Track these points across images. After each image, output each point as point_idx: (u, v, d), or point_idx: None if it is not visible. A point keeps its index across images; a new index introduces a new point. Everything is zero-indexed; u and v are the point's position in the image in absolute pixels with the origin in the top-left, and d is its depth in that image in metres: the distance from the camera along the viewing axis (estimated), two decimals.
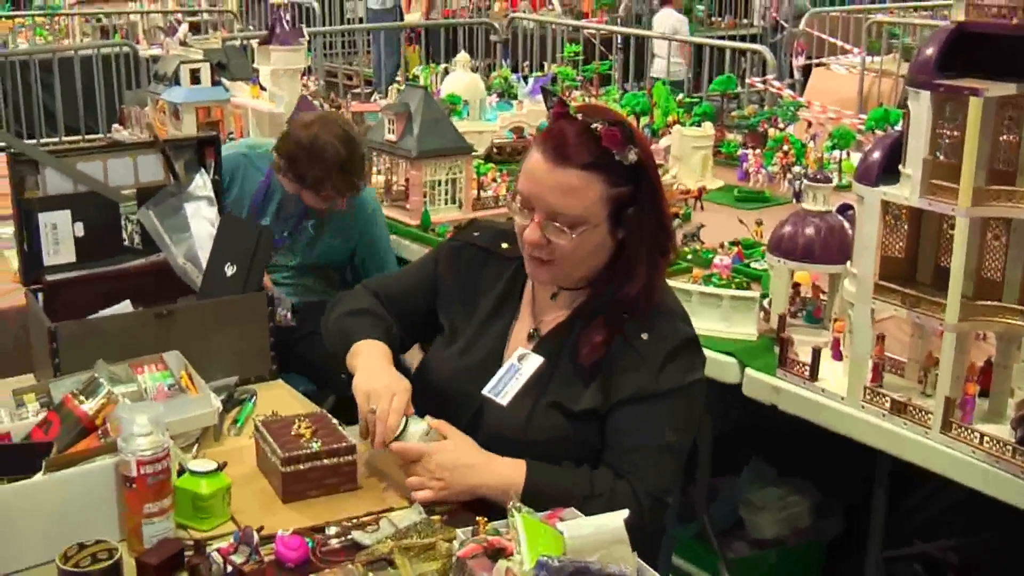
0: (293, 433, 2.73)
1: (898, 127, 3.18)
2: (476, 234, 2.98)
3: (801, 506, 4.36)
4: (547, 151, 2.62)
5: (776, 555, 4.32)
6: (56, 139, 8.92)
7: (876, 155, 2.96)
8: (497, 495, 2.57)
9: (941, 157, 2.79)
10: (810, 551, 4.38)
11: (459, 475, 2.64)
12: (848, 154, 5.30)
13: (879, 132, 5.10)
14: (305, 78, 6.93)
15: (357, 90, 8.77)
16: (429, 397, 2.80)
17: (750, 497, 4.36)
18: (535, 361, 2.75)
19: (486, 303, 2.89)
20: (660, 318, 2.69)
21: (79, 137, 8.82)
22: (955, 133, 2.76)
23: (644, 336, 2.65)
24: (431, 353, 2.95)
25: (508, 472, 2.64)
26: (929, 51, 2.79)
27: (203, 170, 3.70)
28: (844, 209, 3.68)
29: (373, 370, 2.78)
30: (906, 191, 2.84)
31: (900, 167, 2.87)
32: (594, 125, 2.58)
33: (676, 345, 2.66)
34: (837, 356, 3.30)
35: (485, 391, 2.77)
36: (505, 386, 2.75)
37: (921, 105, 2.79)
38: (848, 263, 3.11)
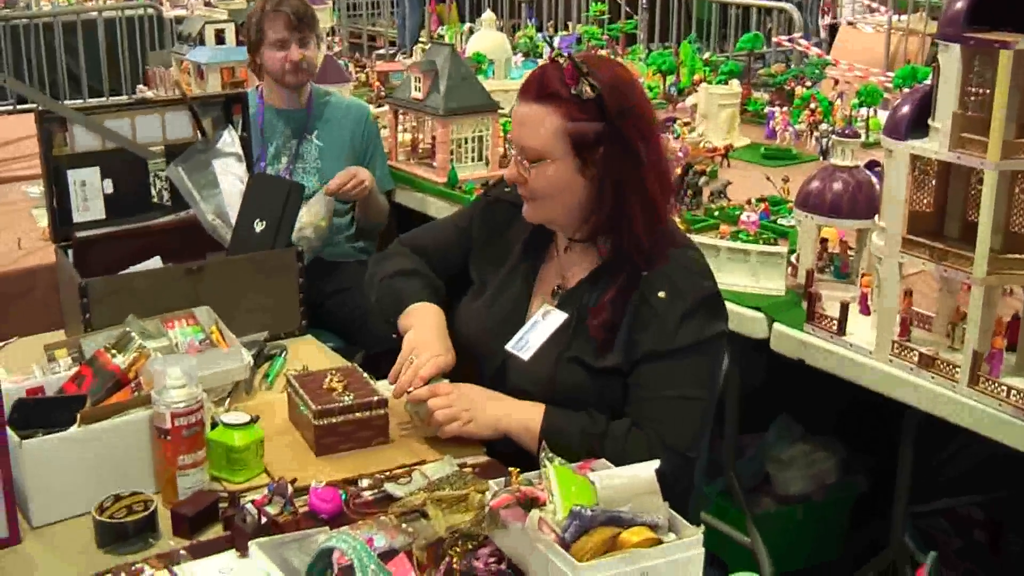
0: (325, 387, 2.75)
1: (927, 83, 3.16)
2: (507, 189, 2.98)
3: (828, 462, 4.36)
4: (520, 91, 2.71)
5: (803, 511, 4.32)
6: (80, 101, 8.93)
7: (905, 109, 2.94)
8: (518, 429, 2.68)
9: (970, 112, 2.78)
10: (837, 507, 4.38)
11: (483, 408, 2.71)
12: (875, 112, 5.28)
13: (906, 90, 5.07)
14: (330, 38, 6.92)
15: (382, 51, 8.75)
16: (456, 351, 2.85)
17: (777, 453, 4.36)
18: (558, 317, 2.78)
19: (513, 257, 2.93)
20: (679, 275, 2.69)
21: (104, 99, 8.82)
22: (984, 91, 2.75)
23: (661, 294, 2.65)
24: (460, 306, 2.98)
25: (528, 409, 2.71)
26: (959, 5, 2.77)
27: (231, 127, 3.72)
28: (871, 166, 3.68)
29: (429, 332, 2.85)
30: (935, 145, 2.83)
31: (929, 121, 2.86)
32: (562, 61, 2.64)
33: (693, 303, 2.66)
34: (865, 311, 3.29)
35: (508, 346, 2.80)
36: (528, 341, 2.78)
37: (951, 58, 2.78)
38: (876, 218, 3.10)
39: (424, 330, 2.85)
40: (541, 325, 2.78)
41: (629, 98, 2.68)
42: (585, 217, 2.73)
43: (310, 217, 4.22)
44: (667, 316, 2.64)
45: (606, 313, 2.69)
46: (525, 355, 2.76)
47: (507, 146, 5.03)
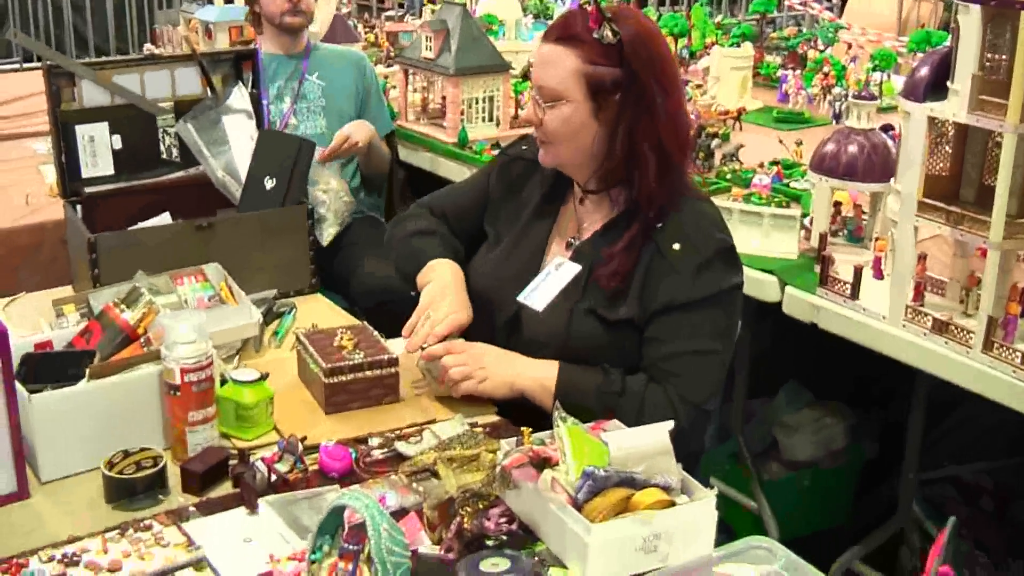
0: (335, 344, 2.74)
1: (943, 46, 3.14)
2: (524, 147, 2.99)
3: (836, 428, 4.34)
4: (544, 34, 2.72)
5: (810, 477, 4.32)
6: (87, 59, 8.90)
7: (923, 71, 2.92)
8: (533, 387, 2.66)
9: (989, 75, 2.75)
10: (844, 473, 4.37)
11: (498, 366, 2.70)
12: (889, 76, 5.25)
13: (920, 54, 5.04)
14: None
15: (390, 12, 8.70)
16: (471, 303, 2.86)
17: (785, 419, 4.35)
18: (571, 269, 2.76)
19: (528, 211, 2.91)
20: (693, 227, 2.67)
21: (110, 58, 8.79)
22: (1001, 57, 2.72)
23: (676, 246, 2.64)
24: (474, 259, 2.97)
25: (543, 367, 2.69)
26: None
27: (240, 84, 3.69)
28: (885, 130, 3.65)
29: (447, 288, 2.85)
30: (954, 107, 2.80)
31: (948, 83, 2.83)
32: (588, 6, 2.63)
33: (710, 255, 2.64)
34: (878, 275, 3.27)
35: (520, 297, 2.78)
36: (540, 292, 2.76)
37: (971, 19, 2.75)
38: (892, 181, 3.08)
39: (442, 286, 2.83)
40: (554, 276, 2.76)
41: (651, 49, 2.66)
42: (598, 163, 2.71)
43: (326, 188, 4.25)
44: (683, 268, 2.62)
45: (615, 263, 2.67)
46: (538, 306, 2.74)
47: (519, 107, 5.01)
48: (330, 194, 4.27)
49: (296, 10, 4.57)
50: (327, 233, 4.27)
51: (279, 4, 4.55)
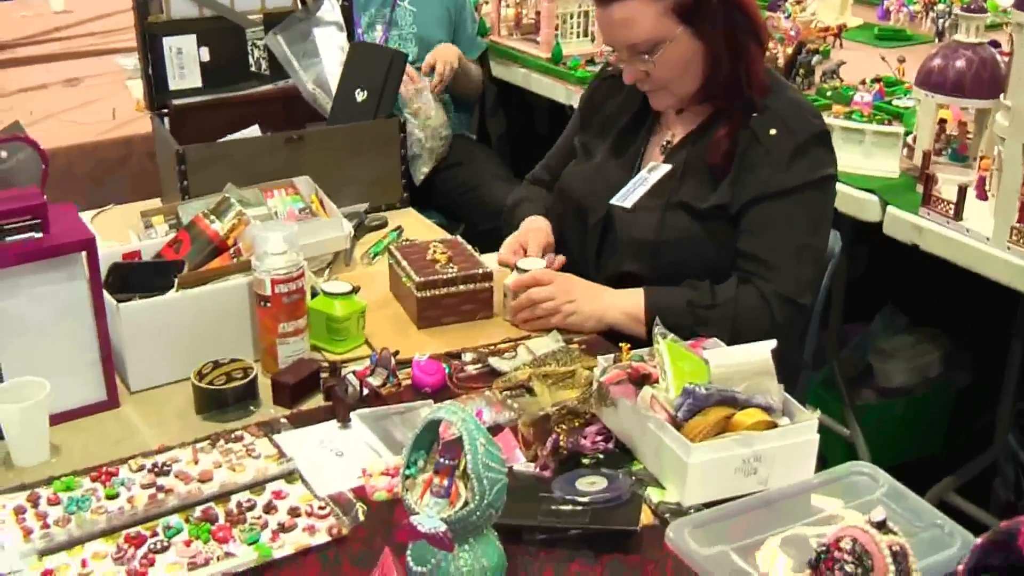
0: (428, 258, 2.70)
1: None
2: (609, 67, 2.97)
3: (932, 355, 4.27)
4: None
5: (904, 404, 4.25)
6: None
7: None
8: (622, 319, 2.62)
9: None
10: (938, 401, 4.29)
11: (586, 300, 2.65)
12: None
13: None
14: None
15: None
16: (562, 209, 2.88)
17: (881, 344, 4.28)
18: (662, 169, 2.73)
19: (620, 125, 2.88)
20: (789, 113, 2.65)
21: None
22: None
23: (773, 132, 2.61)
24: (566, 171, 2.95)
25: (630, 297, 2.64)
26: None
27: None
28: (992, 46, 3.53)
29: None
30: None
31: None
32: None
33: (805, 140, 2.62)
34: (981, 196, 3.17)
35: (614, 200, 2.74)
36: (631, 193, 2.73)
37: None
38: (1001, 97, 2.97)
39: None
40: (646, 179, 2.74)
41: None
42: (709, 80, 2.67)
43: (424, 124, 4.21)
44: (778, 153, 2.59)
45: (724, 145, 2.64)
46: (628, 204, 2.71)
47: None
48: (427, 131, 4.22)
49: None
50: (420, 172, 4.26)
51: None
